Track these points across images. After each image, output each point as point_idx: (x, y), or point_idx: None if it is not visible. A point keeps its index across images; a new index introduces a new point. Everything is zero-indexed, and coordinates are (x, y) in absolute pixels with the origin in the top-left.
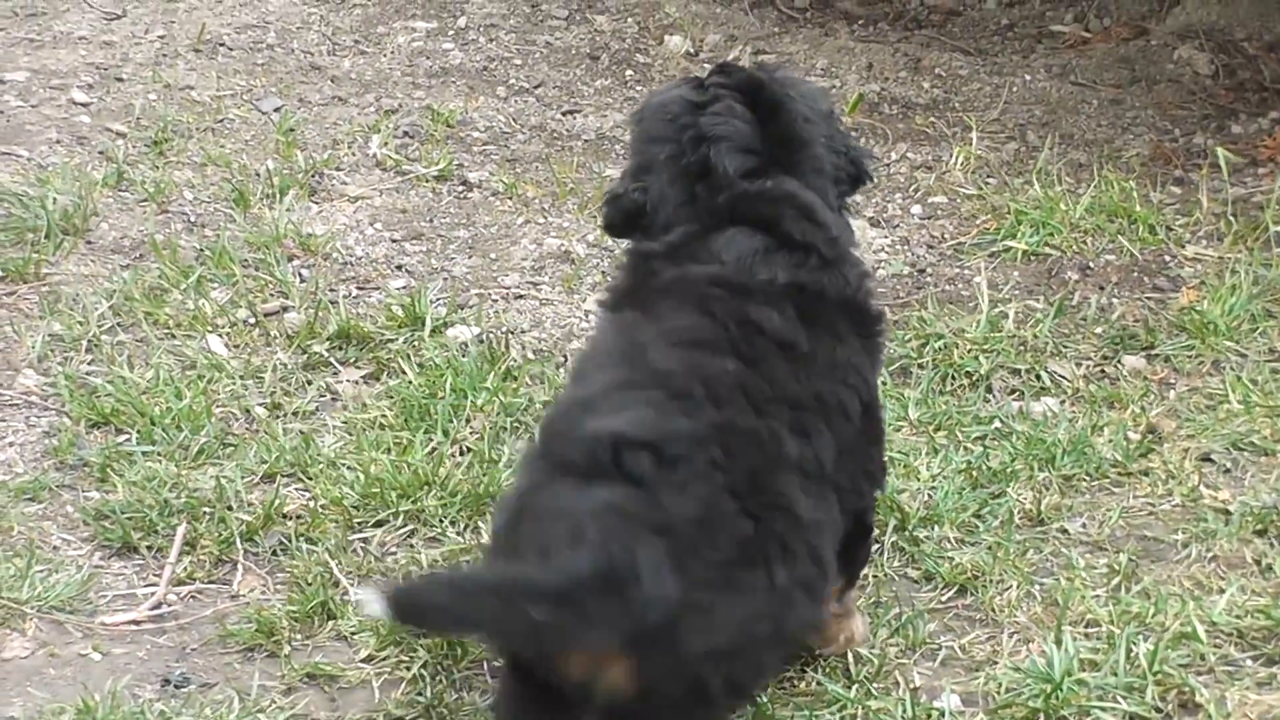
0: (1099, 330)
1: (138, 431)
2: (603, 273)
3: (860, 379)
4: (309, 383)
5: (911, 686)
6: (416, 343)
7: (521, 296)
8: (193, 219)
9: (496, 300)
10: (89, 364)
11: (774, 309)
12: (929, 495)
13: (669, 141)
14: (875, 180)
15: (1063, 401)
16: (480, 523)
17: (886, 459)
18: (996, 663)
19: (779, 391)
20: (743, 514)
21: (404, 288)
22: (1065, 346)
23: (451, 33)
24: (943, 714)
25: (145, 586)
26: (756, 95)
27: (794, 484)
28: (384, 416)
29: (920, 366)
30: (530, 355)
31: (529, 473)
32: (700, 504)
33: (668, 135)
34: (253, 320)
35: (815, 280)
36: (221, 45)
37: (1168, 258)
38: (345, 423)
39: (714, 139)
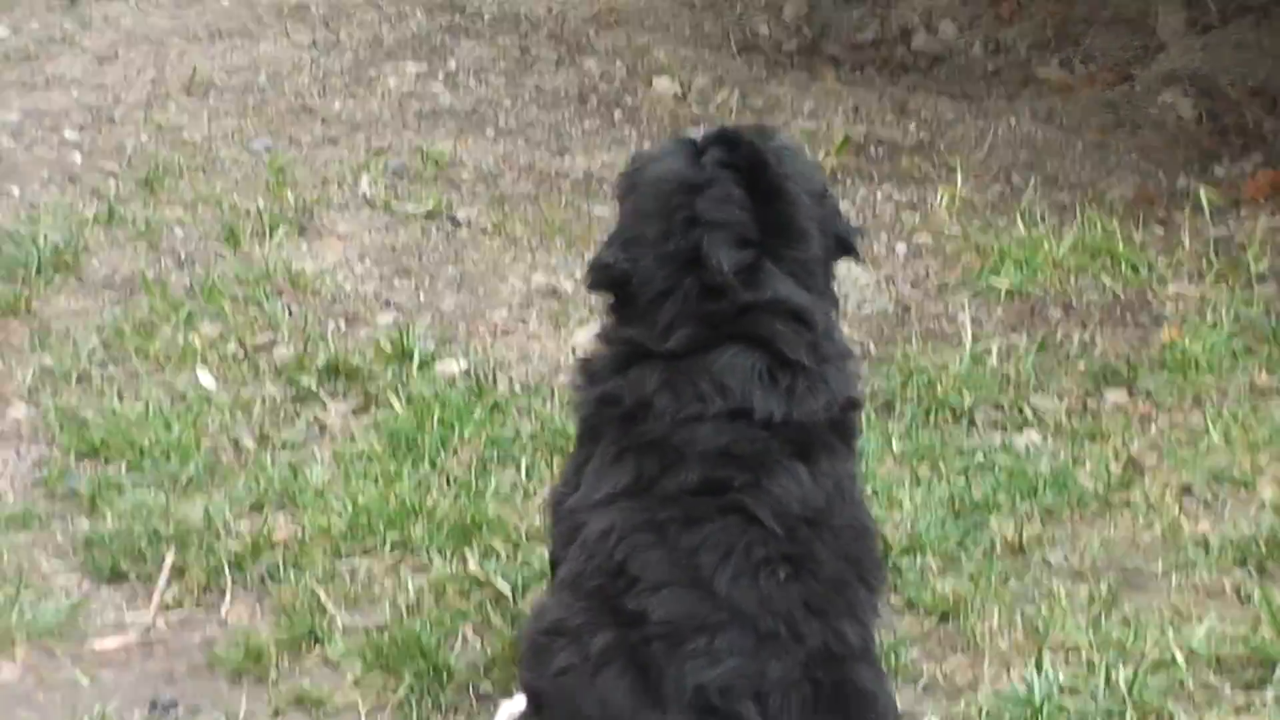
0: (1081, 366)
1: (127, 462)
2: (590, 308)
3: (854, 486)
4: (297, 415)
5: None
6: (405, 376)
7: (509, 332)
8: (183, 256)
9: (484, 335)
10: (79, 396)
11: (790, 478)
12: (911, 525)
13: (661, 219)
14: (861, 258)
15: (1045, 435)
16: (466, 551)
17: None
18: (978, 689)
19: (826, 578)
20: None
21: (393, 323)
22: (1048, 382)
23: (441, 75)
24: None
25: (134, 613)
26: (755, 176)
27: (863, 671)
28: (372, 448)
29: (904, 401)
30: (517, 389)
31: (611, 691)
32: None
33: (660, 212)
34: (242, 354)
35: (809, 413)
36: (213, 87)
37: (1150, 296)
38: (333, 454)
39: (709, 226)
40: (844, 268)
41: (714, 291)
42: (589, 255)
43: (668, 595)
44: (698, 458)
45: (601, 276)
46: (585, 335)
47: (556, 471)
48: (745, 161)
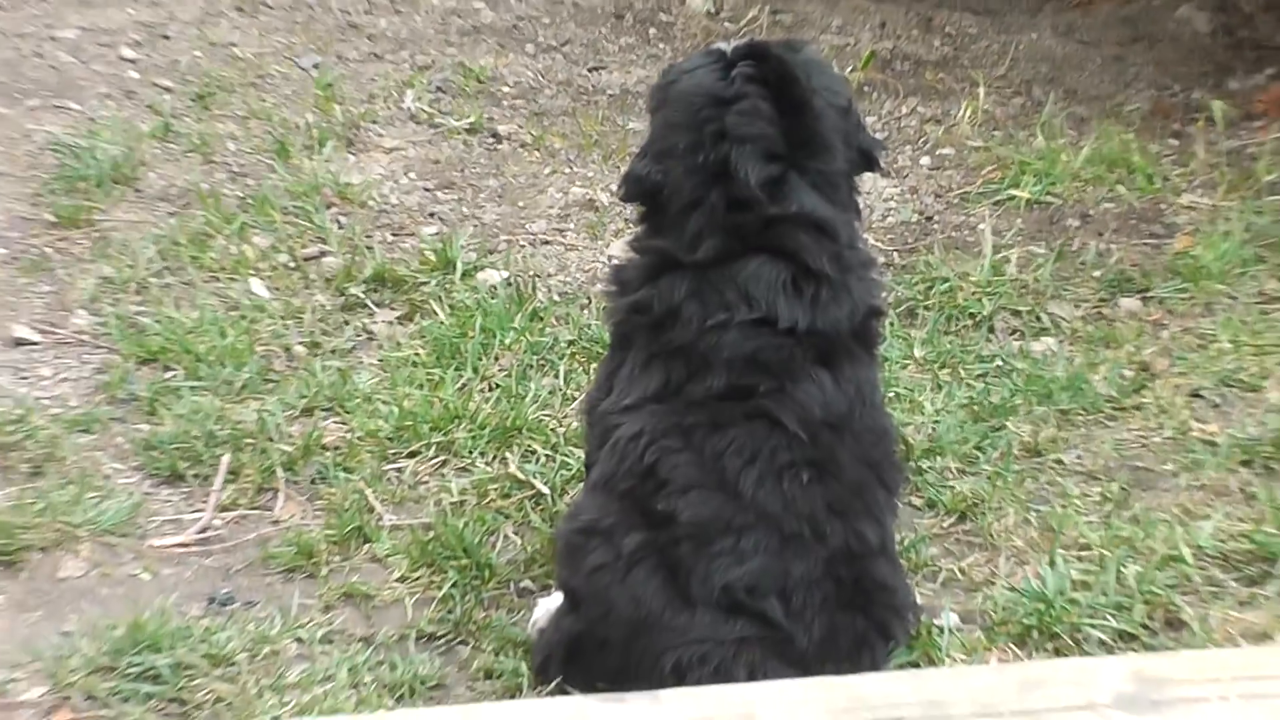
0: (1097, 274)
1: (184, 368)
2: (626, 220)
3: (876, 392)
4: (346, 323)
5: None
6: (448, 285)
7: (548, 242)
8: (236, 169)
9: (524, 246)
10: (138, 305)
11: (813, 384)
12: (932, 428)
13: (691, 131)
14: (885, 171)
15: (1061, 341)
16: (507, 454)
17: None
18: (994, 584)
19: (847, 480)
20: (855, 612)
21: (436, 234)
22: (1065, 289)
23: None
24: (943, 631)
25: (192, 512)
26: (782, 90)
27: (882, 566)
28: (417, 355)
29: (926, 308)
30: (556, 297)
31: (641, 589)
32: (824, 627)
33: (690, 125)
34: (293, 264)
35: (832, 321)
36: (263, 5)
37: (1164, 206)
38: (380, 360)
39: (737, 140)
40: (869, 180)
41: (741, 203)
42: (624, 168)
43: (696, 497)
44: (724, 364)
45: (634, 188)
46: (620, 246)
47: (593, 377)
48: (774, 76)
